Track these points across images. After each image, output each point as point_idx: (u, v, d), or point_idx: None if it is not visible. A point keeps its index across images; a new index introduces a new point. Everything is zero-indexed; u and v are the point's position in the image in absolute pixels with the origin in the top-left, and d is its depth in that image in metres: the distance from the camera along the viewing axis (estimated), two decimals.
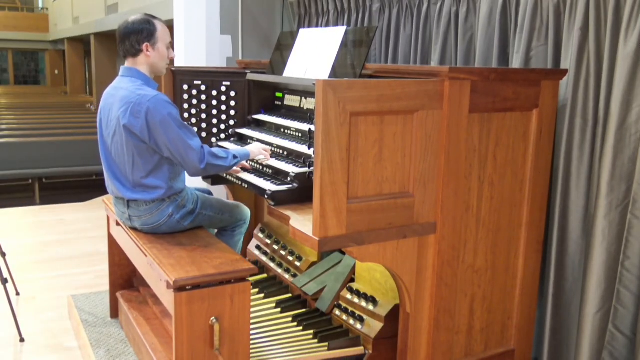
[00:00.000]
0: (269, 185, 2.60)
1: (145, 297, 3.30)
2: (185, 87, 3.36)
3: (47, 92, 20.67)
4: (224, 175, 3.11)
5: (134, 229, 2.85)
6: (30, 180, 9.35)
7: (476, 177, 2.35)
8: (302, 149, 2.74)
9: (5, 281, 3.45)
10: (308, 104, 3.13)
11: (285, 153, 2.91)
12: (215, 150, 2.72)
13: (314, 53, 2.95)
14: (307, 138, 2.72)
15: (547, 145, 2.53)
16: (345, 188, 2.03)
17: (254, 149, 2.89)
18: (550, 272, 2.71)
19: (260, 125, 3.42)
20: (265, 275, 3.56)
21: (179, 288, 2.31)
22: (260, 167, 2.91)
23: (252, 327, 2.78)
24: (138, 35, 2.66)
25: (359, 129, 2.03)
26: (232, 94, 3.46)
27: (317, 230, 2.02)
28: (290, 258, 3.40)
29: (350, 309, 2.85)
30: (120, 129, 2.61)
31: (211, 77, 3.42)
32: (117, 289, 3.46)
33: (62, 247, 4.99)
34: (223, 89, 3.44)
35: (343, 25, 3.84)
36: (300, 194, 2.47)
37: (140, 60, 2.71)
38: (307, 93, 3.14)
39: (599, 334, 2.48)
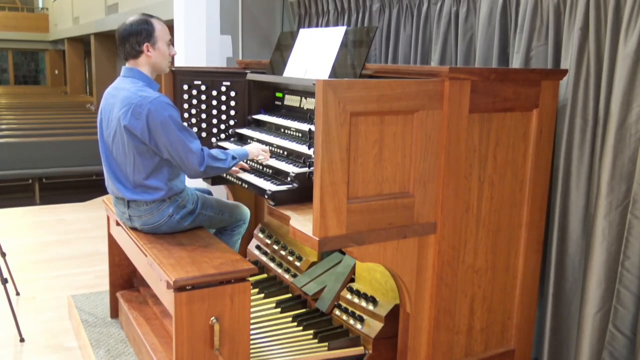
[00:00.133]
0: (269, 185, 2.60)
1: (145, 297, 3.30)
2: (185, 87, 3.36)
3: (47, 92, 20.67)
4: (224, 175, 3.11)
5: (134, 229, 2.86)
6: (30, 180, 9.36)
7: (476, 177, 2.35)
8: (302, 149, 2.74)
9: (5, 281, 3.45)
10: (308, 104, 3.13)
11: (285, 153, 2.91)
12: (214, 151, 2.71)
13: (314, 53, 2.95)
14: (307, 138, 2.72)
15: (547, 145, 2.53)
16: (345, 188, 2.03)
17: (252, 149, 2.89)
18: (550, 272, 2.71)
19: (260, 125, 3.42)
20: (265, 275, 3.56)
21: (179, 288, 2.31)
22: (260, 167, 2.91)
23: (252, 327, 2.78)
24: (137, 36, 2.66)
25: (359, 129, 2.03)
26: (232, 94, 3.46)
27: (317, 230, 2.02)
28: (290, 258, 3.40)
29: (350, 309, 2.85)
30: (120, 130, 2.61)
31: (211, 77, 3.42)
32: (117, 289, 3.46)
33: (62, 247, 4.99)
34: (223, 89, 3.44)
35: (343, 25, 3.84)
36: (300, 194, 2.47)
37: (142, 61, 2.71)
38: (307, 93, 3.14)
39: (599, 334, 2.48)
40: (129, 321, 3.16)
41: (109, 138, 2.72)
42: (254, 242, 3.81)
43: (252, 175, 2.84)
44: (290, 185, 2.52)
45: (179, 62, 4.37)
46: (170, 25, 3.41)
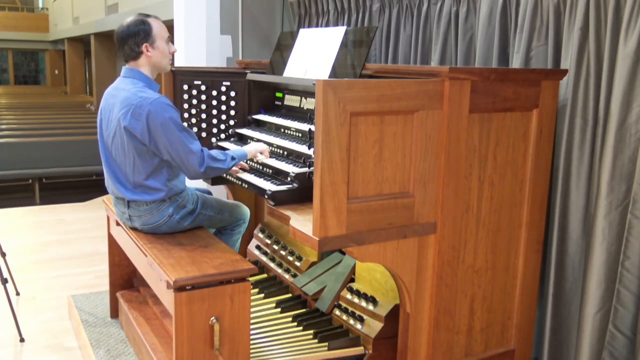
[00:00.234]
0: (269, 185, 2.60)
1: (145, 297, 3.30)
2: (185, 87, 3.36)
3: (47, 92, 20.68)
4: (224, 175, 3.11)
5: (134, 229, 2.86)
6: (30, 180, 9.36)
7: (476, 177, 2.35)
8: (302, 149, 2.74)
9: (5, 281, 3.45)
10: (308, 104, 3.13)
11: (285, 153, 2.91)
12: (213, 152, 2.71)
13: (314, 53, 2.95)
14: (307, 138, 2.72)
15: (547, 145, 2.53)
16: (345, 188, 2.03)
17: (251, 148, 2.89)
18: (550, 272, 2.71)
19: (260, 125, 3.42)
20: (265, 275, 3.56)
21: (179, 288, 2.31)
22: (260, 167, 2.91)
23: (252, 327, 2.78)
24: (135, 37, 2.66)
25: (359, 129, 2.03)
26: (232, 94, 3.46)
27: (317, 230, 2.02)
28: (290, 258, 3.40)
29: (350, 309, 2.85)
30: (120, 130, 2.61)
31: (211, 77, 3.42)
32: (117, 289, 3.46)
33: (62, 247, 4.99)
34: (223, 89, 3.44)
35: (343, 25, 3.84)
36: (300, 194, 2.47)
37: (142, 62, 2.70)
38: (307, 93, 3.14)
39: (599, 334, 2.48)
40: (129, 321, 3.16)
41: (108, 138, 2.72)
42: (254, 242, 3.81)
43: (252, 175, 2.84)
44: (290, 185, 2.52)
45: (179, 62, 4.37)
46: (170, 25, 3.41)
